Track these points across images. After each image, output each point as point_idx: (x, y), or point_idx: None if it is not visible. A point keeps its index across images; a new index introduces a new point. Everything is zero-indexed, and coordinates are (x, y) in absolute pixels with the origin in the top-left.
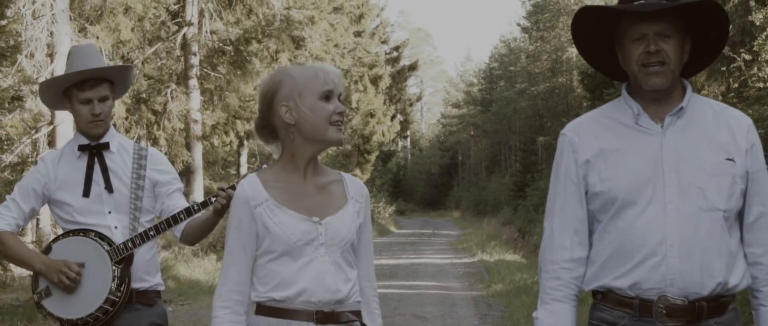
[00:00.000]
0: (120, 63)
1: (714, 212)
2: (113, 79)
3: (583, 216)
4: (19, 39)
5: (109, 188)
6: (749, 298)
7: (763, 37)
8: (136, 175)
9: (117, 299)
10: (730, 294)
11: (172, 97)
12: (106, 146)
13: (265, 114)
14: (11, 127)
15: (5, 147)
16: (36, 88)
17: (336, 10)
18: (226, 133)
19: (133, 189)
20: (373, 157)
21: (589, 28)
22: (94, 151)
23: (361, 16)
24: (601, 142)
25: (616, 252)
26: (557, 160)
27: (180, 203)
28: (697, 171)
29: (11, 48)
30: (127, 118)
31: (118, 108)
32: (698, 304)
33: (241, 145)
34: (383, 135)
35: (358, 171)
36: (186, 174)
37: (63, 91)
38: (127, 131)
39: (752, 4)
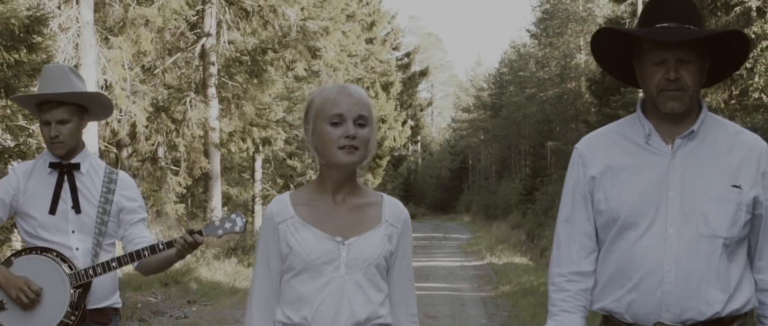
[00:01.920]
0: (142, 72)
1: (715, 239)
2: (81, 104)
3: (590, 230)
4: (51, 52)
5: (77, 208)
6: (756, 323)
7: (759, 49)
8: (105, 199)
9: (70, 322)
10: (730, 317)
11: (191, 106)
12: (77, 166)
13: (305, 135)
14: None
15: (36, 155)
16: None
17: (348, 18)
18: (243, 140)
19: (100, 213)
20: (384, 162)
21: (608, 43)
22: (65, 169)
23: (372, 24)
24: (609, 159)
25: (615, 273)
26: (568, 173)
27: (142, 233)
28: (701, 197)
29: (43, 62)
30: (147, 126)
31: (139, 116)
32: None
33: (256, 151)
34: (394, 140)
35: (369, 176)
36: (204, 180)
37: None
38: (148, 139)
39: (754, 15)
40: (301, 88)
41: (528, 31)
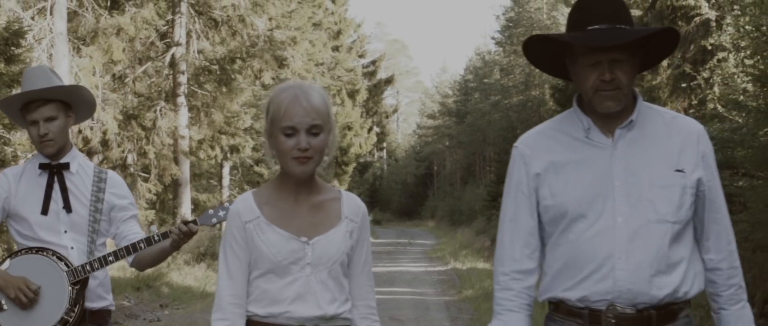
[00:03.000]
0: (112, 80)
1: (664, 224)
2: (65, 100)
3: (533, 227)
4: (28, 62)
5: (67, 208)
6: (709, 302)
7: (715, 60)
8: (96, 198)
9: (69, 319)
10: (681, 301)
11: (161, 114)
12: (67, 166)
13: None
14: (19, 144)
15: (12, 163)
16: None
17: (315, 26)
18: (212, 148)
19: (92, 212)
20: (350, 169)
21: (540, 44)
22: (55, 170)
23: (339, 32)
24: (552, 155)
25: (566, 264)
26: (509, 172)
27: (134, 230)
28: (646, 184)
29: (20, 72)
30: (118, 134)
31: (110, 124)
32: (647, 313)
33: (224, 158)
34: (360, 147)
35: (336, 183)
36: (174, 187)
37: (20, 112)
38: (119, 146)
39: (712, 25)
40: (269, 95)
41: (493, 38)
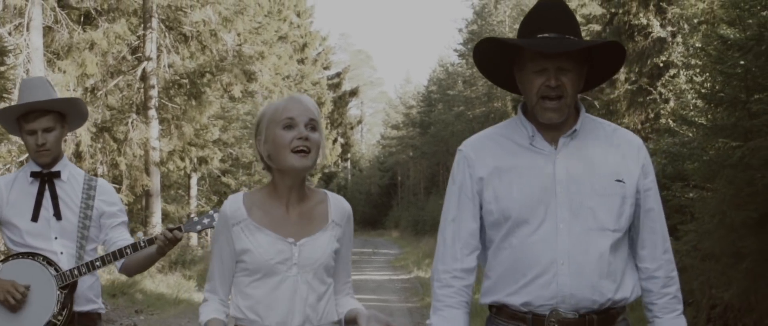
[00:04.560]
0: (84, 94)
1: (604, 232)
2: (62, 111)
3: (474, 229)
4: (9, 78)
5: (57, 215)
6: (644, 311)
7: (668, 76)
8: (85, 205)
9: (57, 322)
10: (619, 307)
11: (132, 126)
12: (58, 175)
13: (256, 146)
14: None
15: None
16: None
17: (281, 39)
18: (182, 159)
19: (81, 219)
20: (315, 179)
21: (489, 51)
22: (46, 178)
23: (304, 45)
24: (496, 160)
25: (509, 269)
26: (453, 174)
27: (123, 236)
28: (587, 192)
29: (1, 89)
30: (91, 146)
31: (84, 136)
32: (588, 317)
33: (193, 169)
34: (325, 158)
35: None
36: (145, 197)
37: (16, 121)
38: (92, 157)
39: (669, 40)
40: (236, 107)
41: (455, 50)
